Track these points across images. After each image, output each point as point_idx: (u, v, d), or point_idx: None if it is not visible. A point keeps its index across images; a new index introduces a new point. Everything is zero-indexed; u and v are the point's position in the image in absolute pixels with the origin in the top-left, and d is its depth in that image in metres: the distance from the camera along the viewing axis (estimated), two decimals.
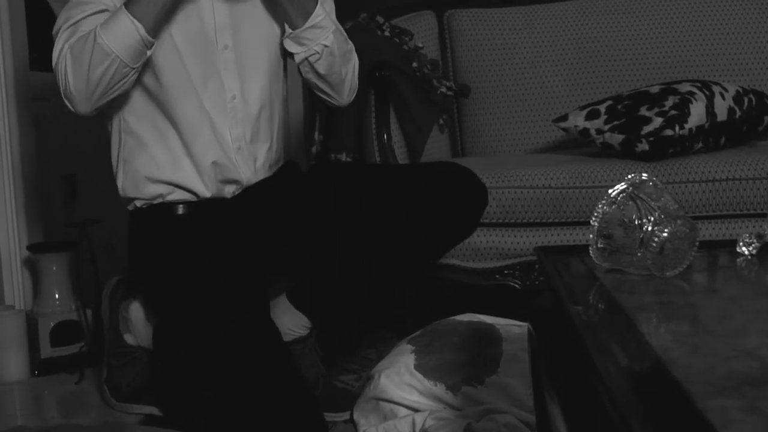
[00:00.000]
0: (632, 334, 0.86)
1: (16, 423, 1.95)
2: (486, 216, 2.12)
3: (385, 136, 2.28)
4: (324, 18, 1.73)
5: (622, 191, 1.09)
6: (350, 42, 1.85)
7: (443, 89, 2.58)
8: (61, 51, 1.64)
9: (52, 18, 2.78)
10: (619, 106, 2.21)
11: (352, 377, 2.05)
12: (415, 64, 2.48)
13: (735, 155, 2.11)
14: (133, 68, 1.63)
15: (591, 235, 1.11)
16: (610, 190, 1.11)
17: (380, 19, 2.53)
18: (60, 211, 2.46)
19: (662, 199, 1.07)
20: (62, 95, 1.67)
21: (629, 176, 1.12)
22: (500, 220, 2.13)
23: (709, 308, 1.01)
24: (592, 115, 2.24)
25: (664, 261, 1.07)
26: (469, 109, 2.70)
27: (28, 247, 2.33)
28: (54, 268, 2.26)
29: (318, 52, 1.74)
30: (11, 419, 1.99)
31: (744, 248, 1.25)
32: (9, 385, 2.16)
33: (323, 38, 1.74)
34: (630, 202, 1.08)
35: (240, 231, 1.79)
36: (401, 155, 2.34)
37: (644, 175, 1.11)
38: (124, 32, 1.59)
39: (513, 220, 2.12)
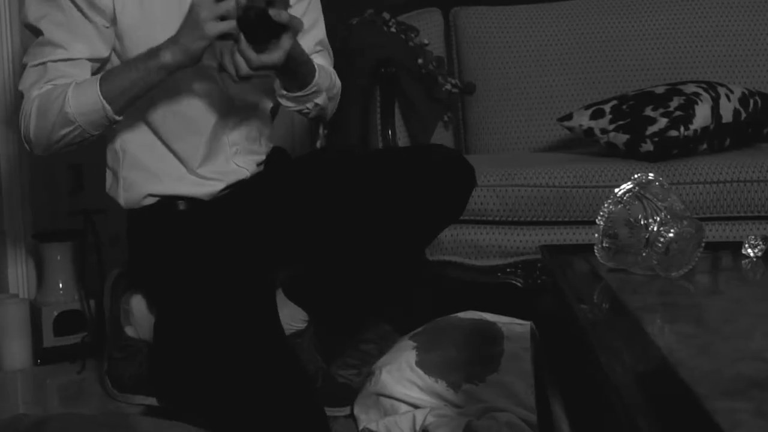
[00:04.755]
0: (638, 335, 0.86)
1: (17, 411, 1.95)
2: (489, 214, 2.12)
3: (390, 133, 2.28)
4: (317, 81, 1.73)
5: (629, 191, 1.09)
6: (337, 80, 1.89)
7: (448, 86, 2.57)
8: (29, 97, 1.63)
9: None
10: (624, 106, 2.21)
11: (353, 372, 2.04)
12: (420, 61, 2.48)
13: (740, 157, 2.11)
14: (95, 134, 1.66)
15: (596, 235, 1.11)
16: (616, 190, 1.11)
17: (386, 15, 2.52)
18: (65, 200, 2.45)
19: (668, 199, 1.08)
20: (21, 136, 1.67)
21: (636, 176, 1.12)
22: (503, 218, 2.13)
23: (715, 310, 1.01)
24: (597, 115, 2.24)
25: (669, 261, 1.07)
26: (474, 107, 2.69)
27: (33, 236, 2.33)
28: (58, 257, 2.26)
29: (309, 109, 1.80)
30: (13, 407, 1.99)
31: (749, 250, 1.25)
32: (11, 373, 2.16)
33: (316, 98, 1.78)
34: (636, 202, 1.08)
35: (238, 224, 1.80)
36: None
37: (651, 175, 1.11)
38: (93, 109, 1.59)
39: (516, 219, 2.12)
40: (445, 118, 2.61)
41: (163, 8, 1.68)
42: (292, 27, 1.55)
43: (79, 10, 1.62)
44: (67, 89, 1.60)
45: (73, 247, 2.28)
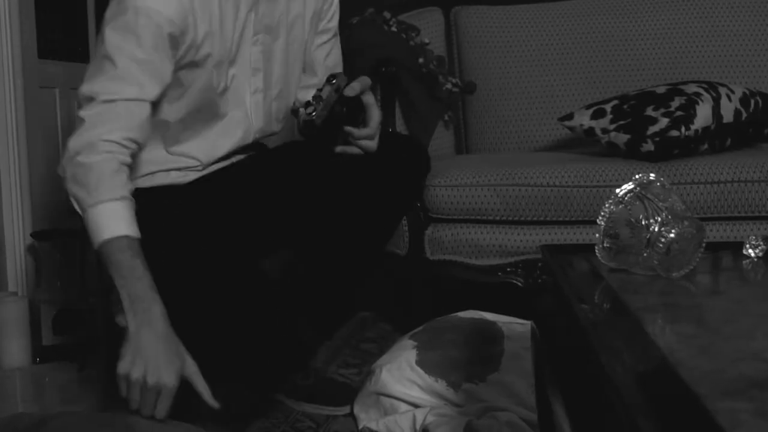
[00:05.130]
0: (639, 335, 0.86)
1: (16, 409, 1.95)
2: (490, 213, 2.12)
3: (390, 131, 2.27)
4: None
5: (630, 191, 1.09)
6: None
7: (449, 86, 2.57)
8: (72, 150, 1.55)
9: (60, 6, 2.78)
10: (625, 106, 2.21)
11: (353, 371, 2.05)
12: (421, 60, 2.48)
13: (741, 157, 2.11)
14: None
15: (597, 235, 1.11)
16: (617, 190, 1.11)
17: (387, 15, 2.52)
18: (64, 199, 2.45)
19: (669, 199, 1.07)
20: (67, 151, 1.60)
21: (637, 176, 1.12)
22: (504, 218, 2.13)
23: (716, 310, 1.01)
24: (598, 114, 2.23)
25: (670, 262, 1.07)
26: (475, 106, 2.69)
27: (32, 234, 2.33)
28: (57, 256, 2.26)
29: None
30: (12, 406, 1.99)
31: (750, 251, 1.25)
32: (10, 371, 2.16)
33: None
34: (637, 202, 1.08)
35: (218, 208, 1.78)
36: None
37: (652, 176, 1.10)
38: (91, 231, 1.52)
39: (517, 218, 2.12)
40: (446, 118, 2.61)
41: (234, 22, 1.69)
42: (366, 90, 1.72)
43: (158, 48, 1.57)
44: (88, 199, 1.52)
45: (72, 246, 2.28)
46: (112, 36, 1.55)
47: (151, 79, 1.56)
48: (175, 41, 1.58)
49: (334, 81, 1.67)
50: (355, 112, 1.68)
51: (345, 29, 2.44)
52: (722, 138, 2.20)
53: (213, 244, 1.68)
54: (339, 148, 1.72)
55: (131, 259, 1.48)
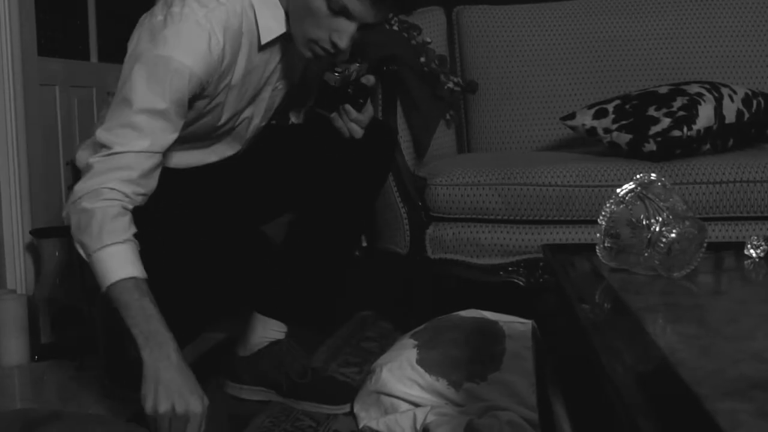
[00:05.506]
0: (639, 335, 0.85)
1: (15, 407, 1.94)
2: (491, 212, 2.12)
3: None
4: None
5: (631, 191, 1.09)
6: None
7: (450, 85, 2.57)
8: (76, 197, 1.56)
9: (60, 4, 2.78)
10: (627, 106, 2.20)
11: (354, 370, 2.05)
12: (423, 59, 2.47)
13: (742, 157, 2.11)
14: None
15: (598, 234, 1.11)
16: (618, 190, 1.10)
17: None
18: (64, 197, 2.45)
19: (671, 199, 1.07)
20: (70, 199, 1.60)
21: (638, 176, 1.11)
22: (505, 217, 2.13)
23: (717, 310, 1.01)
24: (600, 114, 2.23)
25: (671, 262, 1.07)
26: (477, 106, 2.69)
27: (31, 232, 2.32)
28: (56, 254, 2.25)
29: None
30: (11, 403, 1.99)
31: (752, 251, 1.24)
32: (9, 369, 2.15)
33: None
34: (638, 202, 1.07)
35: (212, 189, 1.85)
36: (407, 149, 2.34)
37: (653, 175, 1.10)
38: (97, 273, 1.54)
39: (518, 217, 2.12)
40: (448, 117, 2.60)
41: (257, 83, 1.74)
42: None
43: (179, 103, 1.58)
44: (94, 243, 1.54)
45: (71, 244, 2.27)
46: (138, 79, 1.55)
47: (164, 131, 1.58)
48: (194, 96, 1.61)
49: (359, 64, 1.75)
50: (360, 97, 1.76)
51: None
52: (724, 138, 2.20)
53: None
54: (333, 115, 1.77)
55: (140, 299, 1.51)
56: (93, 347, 2.19)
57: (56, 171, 2.51)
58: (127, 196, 1.55)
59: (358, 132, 1.77)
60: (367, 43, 2.34)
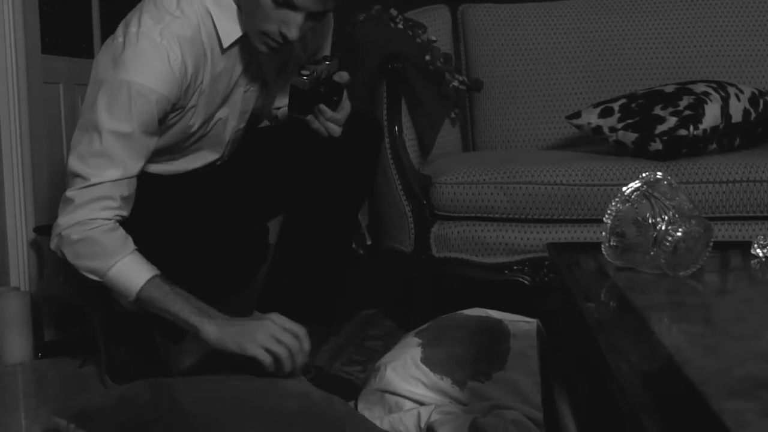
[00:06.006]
0: (645, 334, 0.84)
1: (18, 405, 1.95)
2: (496, 211, 2.11)
3: (397, 129, 2.27)
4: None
5: (637, 189, 1.08)
6: None
7: (455, 83, 2.56)
8: (71, 223, 1.62)
9: (64, 1, 2.77)
10: (633, 105, 2.19)
11: (358, 368, 2.04)
12: (427, 58, 2.47)
13: (749, 157, 2.10)
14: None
15: (604, 233, 1.10)
16: (624, 188, 1.10)
17: (394, 12, 2.51)
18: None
19: (677, 198, 1.06)
20: (53, 243, 1.68)
21: (644, 174, 1.10)
22: (510, 216, 2.12)
23: (723, 310, 1.00)
24: (606, 113, 2.22)
25: (677, 261, 1.06)
26: (482, 104, 2.68)
27: (35, 229, 2.32)
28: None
29: None
30: (14, 401, 1.99)
31: (759, 250, 1.24)
32: (12, 366, 2.15)
33: None
34: (644, 201, 1.07)
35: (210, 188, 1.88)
36: (412, 148, 2.33)
37: (659, 174, 1.09)
38: (122, 290, 1.62)
39: (523, 216, 2.11)
40: (452, 115, 2.60)
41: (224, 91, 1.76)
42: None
43: (148, 125, 1.61)
44: (101, 262, 1.61)
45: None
46: (102, 105, 1.58)
47: (136, 155, 1.62)
48: (165, 113, 1.63)
49: (329, 63, 1.75)
50: (334, 95, 1.76)
51: (350, 25, 2.44)
52: (731, 137, 2.19)
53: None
54: (309, 117, 1.78)
55: (171, 289, 1.60)
56: (96, 345, 2.19)
57: (60, 168, 2.50)
58: (110, 220, 1.62)
59: (336, 130, 1.78)
60: (372, 40, 2.35)
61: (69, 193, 1.63)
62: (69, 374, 2.09)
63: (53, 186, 2.46)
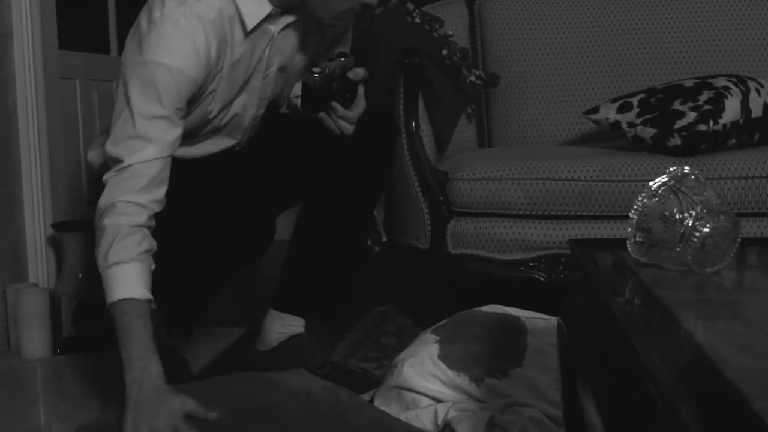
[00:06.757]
0: (676, 330, 0.83)
1: (37, 400, 1.96)
2: (513, 207, 2.10)
3: (414, 124, 2.26)
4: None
5: (664, 184, 1.06)
6: None
7: (472, 78, 2.55)
8: (98, 211, 1.59)
9: None
10: (652, 100, 2.18)
11: (373, 365, 2.04)
12: (444, 52, 2.46)
13: None
14: None
15: (629, 229, 1.09)
16: (650, 183, 1.08)
17: (410, 6, 2.50)
18: (85, 191, 2.46)
19: (704, 193, 1.05)
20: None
21: (671, 169, 1.09)
22: (527, 212, 2.11)
23: (752, 307, 0.99)
24: (624, 108, 2.21)
25: (704, 257, 1.05)
26: (498, 99, 2.67)
27: (53, 226, 2.33)
28: (78, 247, 2.26)
29: None
30: (32, 396, 2.00)
31: None
32: (31, 362, 2.16)
33: None
34: (671, 196, 1.05)
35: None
36: (429, 143, 2.32)
37: (686, 168, 1.08)
38: (106, 295, 1.55)
39: (540, 212, 2.10)
40: (469, 110, 2.59)
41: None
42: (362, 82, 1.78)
43: (177, 104, 1.59)
44: (112, 255, 1.55)
45: (93, 237, 2.28)
46: (134, 88, 1.57)
47: (168, 134, 1.59)
48: (192, 94, 1.62)
49: (343, 59, 1.74)
50: (347, 93, 1.76)
51: (367, 19, 2.43)
52: (750, 132, 2.17)
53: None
54: (321, 114, 1.79)
55: (132, 320, 1.51)
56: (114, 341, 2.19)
57: (77, 164, 2.51)
58: (142, 207, 1.56)
59: (348, 128, 1.78)
60: (389, 34, 2.34)
61: (105, 176, 1.60)
62: (86, 371, 2.09)
63: (71, 182, 2.46)
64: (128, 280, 1.53)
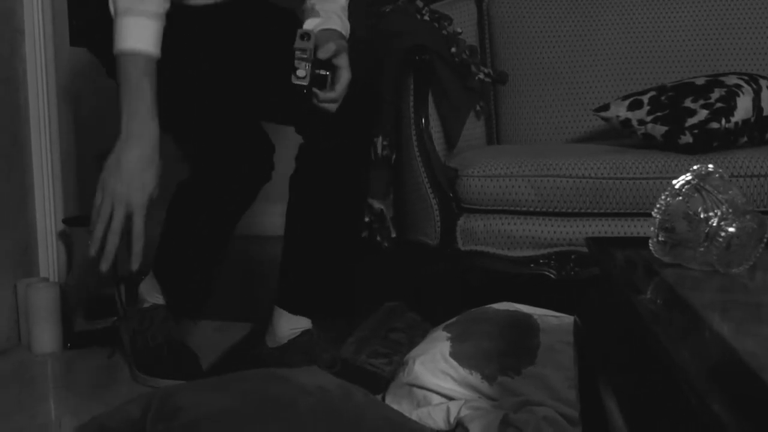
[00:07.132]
0: (703, 330, 0.83)
1: (48, 395, 1.96)
2: (523, 204, 2.10)
3: (423, 121, 2.26)
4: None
5: (687, 182, 1.06)
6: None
7: (481, 75, 2.55)
8: None
9: None
10: (663, 97, 2.18)
11: (383, 361, 2.04)
12: (453, 50, 2.46)
13: None
14: None
15: (652, 228, 1.08)
16: (674, 181, 1.08)
17: (420, 3, 2.50)
18: (95, 185, 2.45)
19: (730, 192, 1.04)
20: None
21: (695, 167, 1.09)
22: (537, 209, 2.11)
23: None
24: (635, 106, 2.20)
25: (729, 257, 1.04)
26: (507, 97, 2.67)
27: (64, 220, 2.33)
28: (89, 242, 2.25)
29: None
30: (43, 390, 2.00)
31: None
32: (42, 356, 2.16)
33: None
34: (695, 194, 1.05)
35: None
36: (438, 140, 2.32)
37: (710, 167, 1.07)
38: (116, 40, 1.53)
39: (550, 209, 2.10)
40: (478, 108, 2.59)
41: None
42: (341, 52, 1.72)
43: None
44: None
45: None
46: None
47: None
48: None
49: (309, 39, 1.70)
50: (324, 72, 1.73)
51: (377, 17, 2.43)
52: (762, 130, 2.17)
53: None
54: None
55: (141, 76, 1.50)
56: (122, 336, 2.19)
57: (88, 159, 2.50)
58: None
59: (332, 108, 1.75)
60: (398, 32, 2.34)
61: None
62: (97, 365, 2.09)
63: (82, 177, 2.46)
64: (147, 32, 1.50)
